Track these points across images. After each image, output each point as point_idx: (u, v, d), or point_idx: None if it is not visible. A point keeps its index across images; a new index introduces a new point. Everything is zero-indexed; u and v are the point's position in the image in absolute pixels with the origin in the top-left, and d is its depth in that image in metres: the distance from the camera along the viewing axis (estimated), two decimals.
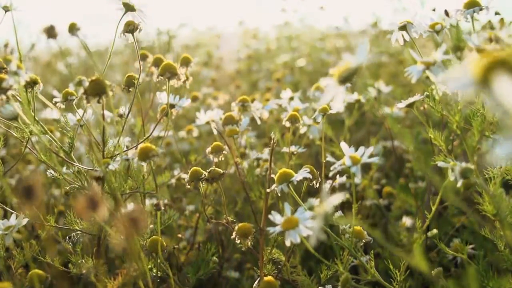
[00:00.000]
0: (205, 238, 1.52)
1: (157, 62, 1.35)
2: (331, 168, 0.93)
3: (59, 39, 0.84)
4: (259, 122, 1.40)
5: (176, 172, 1.96)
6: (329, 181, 1.30)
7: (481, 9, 1.04)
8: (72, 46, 4.23)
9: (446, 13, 1.00)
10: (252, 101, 1.81)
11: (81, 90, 0.91)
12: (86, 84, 0.91)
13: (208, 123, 1.51)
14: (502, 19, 2.15)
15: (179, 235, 1.38)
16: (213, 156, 1.22)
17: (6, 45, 2.57)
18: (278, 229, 0.90)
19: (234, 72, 2.88)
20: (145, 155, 0.92)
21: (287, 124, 1.27)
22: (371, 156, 0.92)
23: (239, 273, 1.53)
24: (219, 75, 2.91)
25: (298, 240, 0.87)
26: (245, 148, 1.65)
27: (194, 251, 1.46)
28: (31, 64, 3.27)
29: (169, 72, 1.02)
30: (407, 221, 1.75)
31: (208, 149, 1.23)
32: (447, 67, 0.87)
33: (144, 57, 1.49)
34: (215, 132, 1.45)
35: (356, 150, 0.95)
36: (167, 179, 1.36)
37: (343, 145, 0.94)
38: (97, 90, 0.90)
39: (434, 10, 1.70)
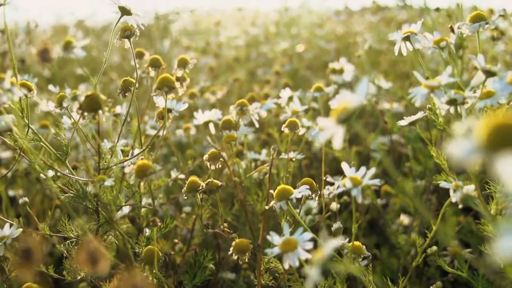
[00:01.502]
0: (201, 240, 1.51)
1: (153, 63, 1.33)
2: (331, 190, 0.91)
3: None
4: (257, 125, 1.38)
5: (171, 166, 1.94)
6: (328, 187, 1.28)
7: (487, 23, 1.01)
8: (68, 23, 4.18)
9: (452, 29, 0.98)
10: (251, 99, 1.78)
11: (76, 105, 0.89)
12: (82, 99, 0.89)
13: (206, 123, 1.49)
14: (504, 10, 2.13)
15: (175, 241, 1.37)
16: (210, 164, 1.20)
17: (2, 31, 2.53)
18: (276, 250, 0.88)
19: (232, 59, 2.84)
20: (142, 173, 0.89)
21: (286, 131, 1.25)
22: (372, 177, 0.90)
23: (235, 274, 1.52)
24: (218, 62, 2.87)
25: (297, 263, 0.85)
26: (242, 145, 1.63)
27: (191, 252, 1.45)
28: (27, 48, 3.22)
29: (167, 86, 0.99)
30: (404, 219, 1.75)
31: (206, 157, 1.21)
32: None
33: (140, 55, 1.46)
34: (212, 133, 1.44)
35: (355, 167, 0.93)
36: (164, 183, 1.35)
37: (344, 165, 0.92)
38: (92, 106, 0.88)
39: (437, 10, 1.67)
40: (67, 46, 0.83)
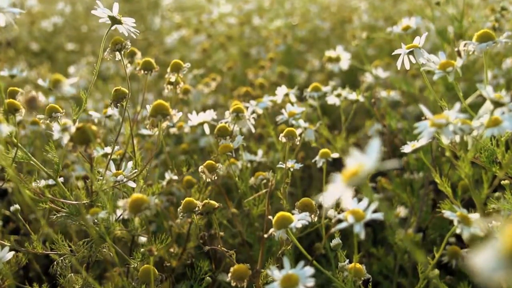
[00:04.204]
0: (197, 243, 1.49)
1: (146, 66, 1.28)
2: (332, 221, 0.89)
3: None
4: (253, 130, 1.34)
5: (164, 157, 1.91)
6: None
7: (494, 43, 0.97)
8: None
9: (459, 53, 0.93)
10: (246, 94, 1.74)
11: (67, 137, 0.85)
12: (73, 130, 0.85)
13: (201, 124, 1.46)
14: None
15: (171, 250, 1.35)
16: (206, 176, 1.17)
17: None
18: (275, 287, 0.86)
19: (225, 37, 2.78)
20: (136, 208, 0.86)
21: (283, 140, 1.22)
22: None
23: None
24: (210, 41, 2.81)
25: None
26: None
27: (186, 254, 1.44)
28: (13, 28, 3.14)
29: (161, 114, 0.95)
30: (401, 211, 1.72)
31: (201, 168, 1.18)
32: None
33: (132, 54, 1.41)
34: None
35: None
36: (158, 190, 1.32)
37: (346, 197, 0.89)
38: (83, 139, 0.84)
39: (438, 4, 1.62)
40: (56, 84, 0.78)
